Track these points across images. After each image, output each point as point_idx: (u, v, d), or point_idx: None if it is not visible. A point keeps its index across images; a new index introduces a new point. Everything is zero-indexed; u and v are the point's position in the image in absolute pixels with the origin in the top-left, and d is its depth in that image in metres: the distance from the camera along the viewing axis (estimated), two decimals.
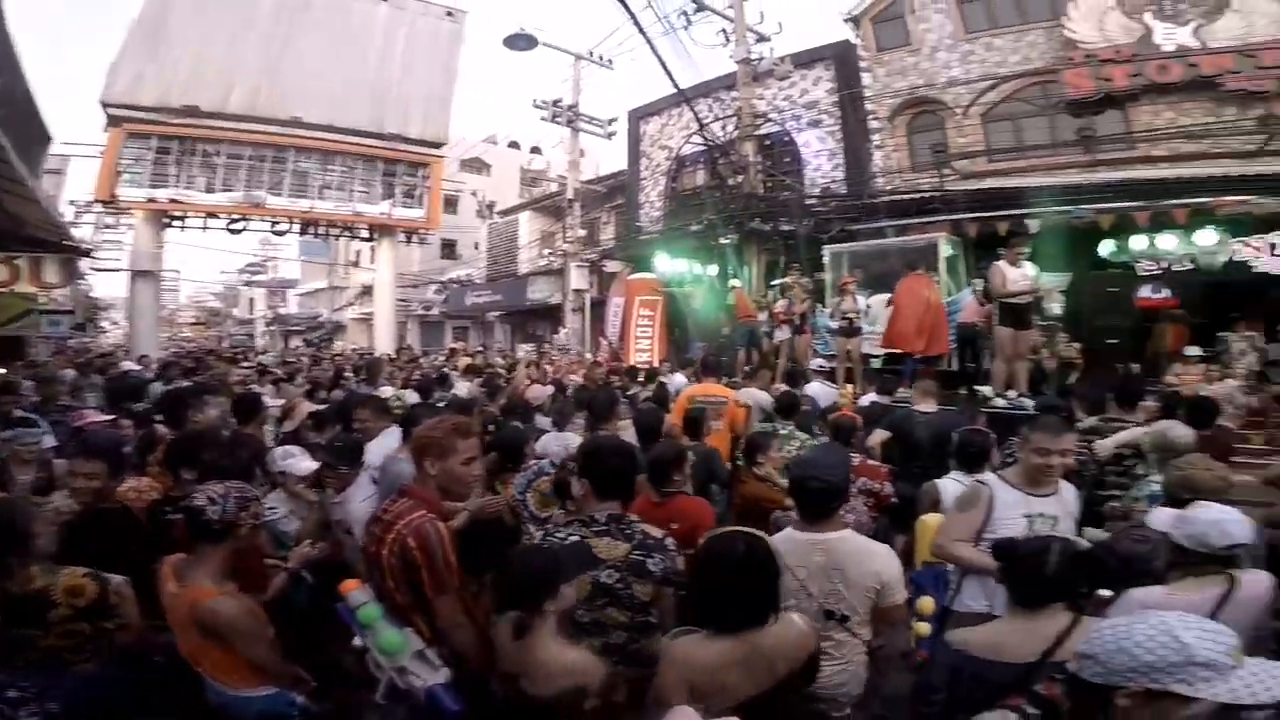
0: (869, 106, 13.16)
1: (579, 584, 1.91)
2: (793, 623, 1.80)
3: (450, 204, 23.69)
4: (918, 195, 10.97)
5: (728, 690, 1.66)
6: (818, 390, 6.53)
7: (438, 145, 17.51)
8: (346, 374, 8.52)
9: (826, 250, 10.44)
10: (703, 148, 12.21)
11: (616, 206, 18.68)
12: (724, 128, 11.98)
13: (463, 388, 5.99)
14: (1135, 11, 10.87)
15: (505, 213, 23.80)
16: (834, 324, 8.47)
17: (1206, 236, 7.99)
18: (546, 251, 19.52)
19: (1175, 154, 10.06)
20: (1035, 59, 11.70)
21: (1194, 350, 7.64)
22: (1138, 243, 8.53)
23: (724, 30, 11.68)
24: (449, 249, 26.50)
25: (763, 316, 9.54)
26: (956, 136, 12.26)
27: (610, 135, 15.96)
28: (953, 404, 5.34)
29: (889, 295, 8.63)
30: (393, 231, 17.41)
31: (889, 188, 12.24)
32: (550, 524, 2.42)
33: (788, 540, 2.12)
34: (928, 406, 4.70)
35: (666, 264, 11.95)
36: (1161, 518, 2.08)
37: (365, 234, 17.68)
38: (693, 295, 12.12)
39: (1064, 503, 2.55)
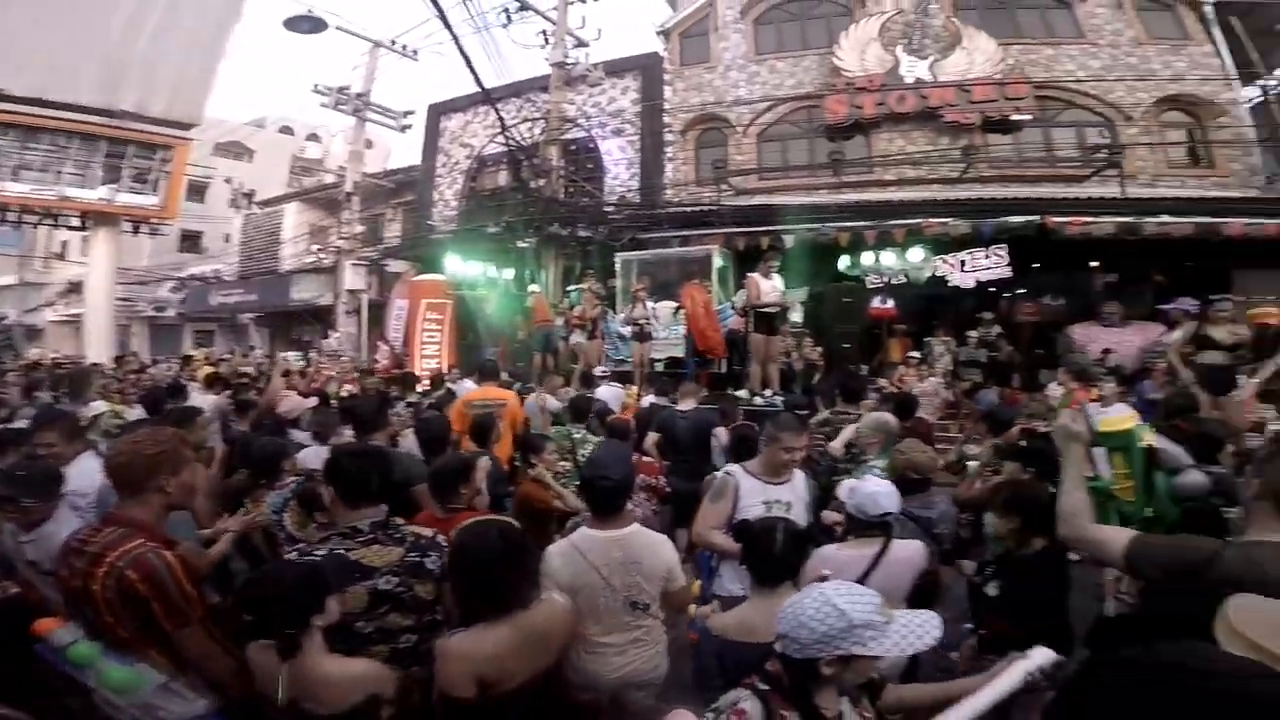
0: (666, 119, 13.95)
1: (354, 596, 1.89)
2: (554, 600, 1.98)
3: (197, 191, 20.51)
4: (698, 208, 11.93)
5: (512, 674, 1.77)
6: (607, 394, 6.92)
7: (187, 126, 15.11)
8: (41, 388, 6.99)
9: (619, 257, 10.94)
10: (506, 148, 12.13)
11: (406, 203, 17.76)
12: (531, 129, 12.02)
13: (205, 401, 5.26)
14: (891, 44, 12.60)
15: (267, 203, 21.28)
16: (627, 330, 9.00)
17: (915, 254, 9.85)
18: (316, 248, 17.85)
19: (901, 178, 12.03)
20: (808, 84, 13.18)
21: (915, 354, 9.41)
22: (867, 258, 10.23)
23: (544, 32, 11.80)
24: (191, 241, 23.00)
25: (559, 321, 9.79)
26: (735, 154, 13.50)
27: (404, 128, 15.21)
28: (718, 404, 6.03)
29: (676, 303, 9.35)
30: (114, 220, 14.62)
31: (676, 199, 13.15)
32: (303, 543, 2.29)
33: (587, 539, 2.27)
34: (687, 406, 5.23)
35: (460, 265, 11.65)
36: (841, 490, 2.58)
37: (76, 222, 14.61)
38: (487, 299, 11.97)
39: (795, 489, 2.87)
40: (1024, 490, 2.62)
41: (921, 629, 1.34)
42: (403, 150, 20.68)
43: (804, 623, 1.29)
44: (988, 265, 9.50)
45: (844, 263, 10.58)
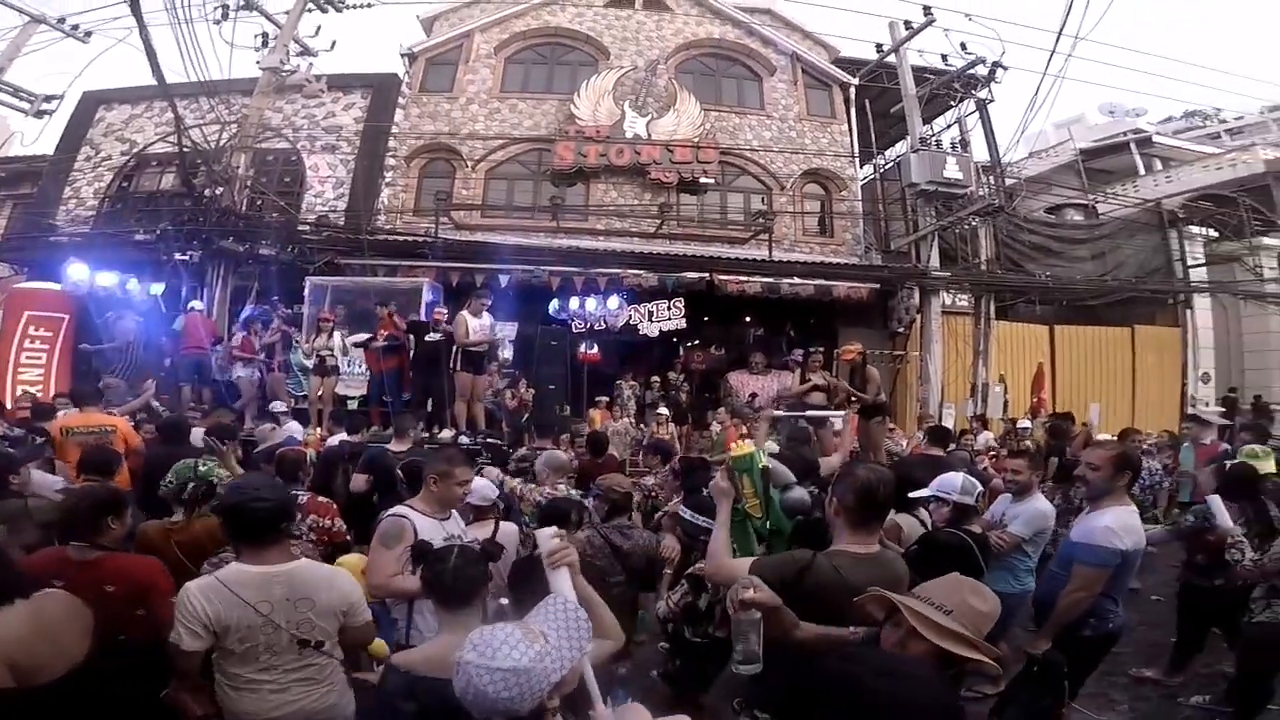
0: (392, 144, 13.55)
1: None
2: (52, 592, 2.02)
3: None
4: (412, 238, 11.72)
5: (45, 662, 1.86)
6: (297, 429, 6.53)
7: None
8: None
9: (309, 281, 10.20)
10: (180, 150, 10.55)
11: (20, 197, 14.76)
12: (219, 133, 10.56)
13: None
14: (621, 98, 13.69)
15: None
16: (309, 362, 8.36)
17: (613, 302, 10.94)
18: None
19: (609, 229, 13.13)
20: (544, 127, 13.77)
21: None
22: (574, 303, 11.07)
23: (265, 34, 10.96)
24: None
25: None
26: (461, 187, 13.60)
27: (42, 114, 12.34)
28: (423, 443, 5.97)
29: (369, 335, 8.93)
30: None
31: (388, 226, 12.74)
32: None
33: (238, 575, 2.13)
34: (402, 446, 5.17)
35: (85, 274, 9.59)
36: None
37: None
38: (123, 316, 9.96)
39: (458, 521, 3.01)
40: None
41: (571, 619, 1.39)
42: (34, 137, 16.44)
43: (495, 698, 1.26)
44: (669, 316, 10.93)
45: (553, 306, 11.24)
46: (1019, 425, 9.18)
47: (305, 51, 11.56)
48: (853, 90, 14.40)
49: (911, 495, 3.46)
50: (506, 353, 10.41)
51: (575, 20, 14.60)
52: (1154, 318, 13.79)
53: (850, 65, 14.67)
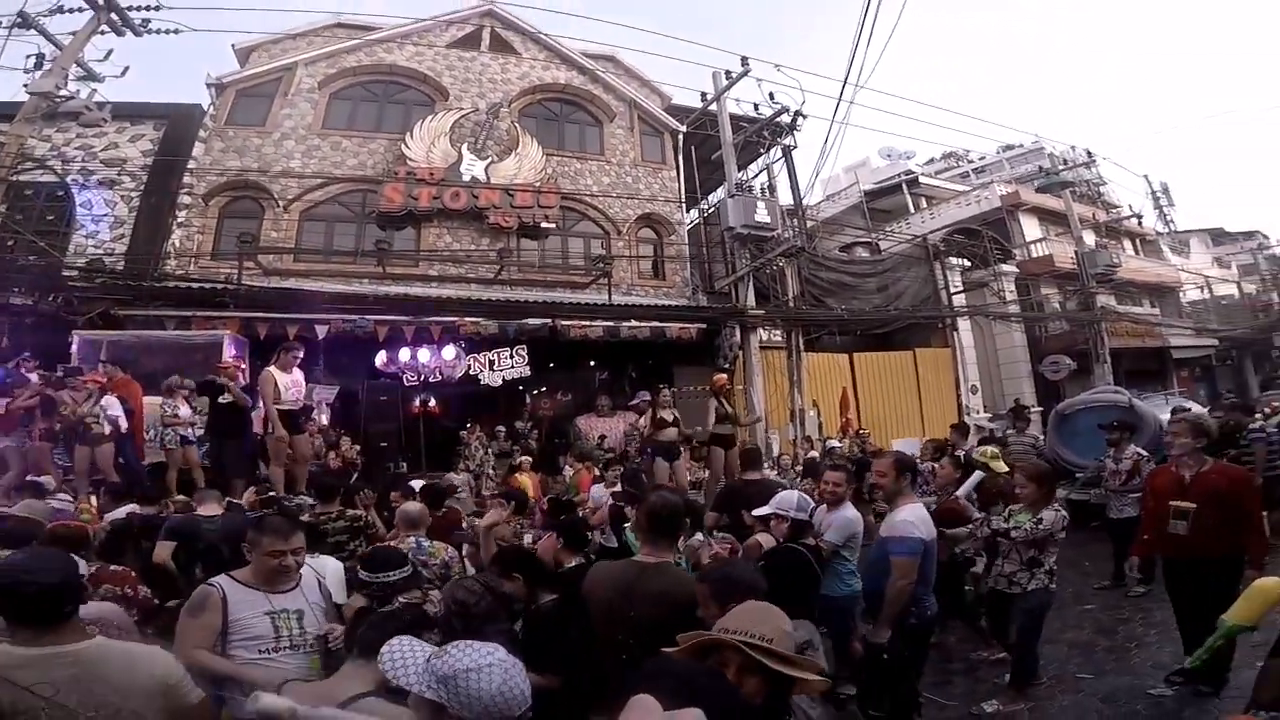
0: (188, 180, 12.43)
1: None
2: None
3: None
4: (211, 285, 10.65)
5: None
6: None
7: None
8: None
9: (76, 336, 9.01)
10: None
11: None
12: None
13: None
14: (459, 140, 13.51)
15: None
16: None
17: (449, 351, 10.65)
18: None
19: (443, 275, 12.81)
20: (370, 167, 13.28)
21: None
22: (405, 354, 10.62)
23: (42, 55, 9.79)
24: None
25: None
26: (271, 229, 12.67)
27: None
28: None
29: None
30: None
31: (180, 271, 11.54)
32: None
33: (4, 656, 1.92)
34: (210, 511, 4.86)
35: None
36: None
37: None
38: None
39: (307, 594, 2.78)
40: (510, 553, 3.34)
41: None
42: None
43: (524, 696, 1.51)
44: (512, 364, 10.86)
45: (380, 358, 10.69)
46: (827, 443, 10.52)
47: (89, 76, 10.42)
48: (680, 137, 15.51)
49: (756, 513, 3.96)
50: (324, 418, 9.73)
51: (414, 59, 14.44)
52: (929, 340, 16.21)
53: (679, 112, 15.75)
